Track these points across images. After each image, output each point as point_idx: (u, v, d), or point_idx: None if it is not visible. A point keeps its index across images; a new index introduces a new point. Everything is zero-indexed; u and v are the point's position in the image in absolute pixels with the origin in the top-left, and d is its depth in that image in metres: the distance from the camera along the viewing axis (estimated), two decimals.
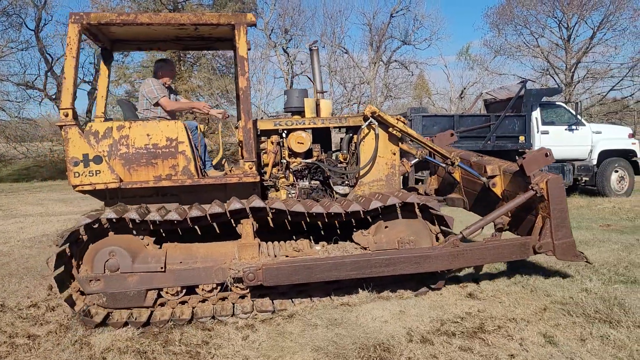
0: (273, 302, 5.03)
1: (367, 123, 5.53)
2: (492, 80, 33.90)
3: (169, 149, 4.95)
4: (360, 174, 5.60)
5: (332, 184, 5.67)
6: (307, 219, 5.01)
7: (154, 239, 4.93)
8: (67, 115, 4.79)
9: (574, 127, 12.73)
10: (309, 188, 5.75)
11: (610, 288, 5.12)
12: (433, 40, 50.74)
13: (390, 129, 5.61)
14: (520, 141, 12.10)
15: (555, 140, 12.38)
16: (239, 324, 4.67)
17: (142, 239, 4.88)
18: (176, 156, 4.96)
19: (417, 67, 35.22)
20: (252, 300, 5.03)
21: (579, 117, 12.94)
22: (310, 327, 4.50)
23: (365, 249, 5.16)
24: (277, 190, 5.68)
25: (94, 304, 4.77)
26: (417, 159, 6.08)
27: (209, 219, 4.82)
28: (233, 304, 5.02)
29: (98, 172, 4.80)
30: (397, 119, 5.62)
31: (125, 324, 4.72)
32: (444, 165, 6.17)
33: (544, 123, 12.59)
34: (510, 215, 5.45)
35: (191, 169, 4.99)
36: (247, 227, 4.97)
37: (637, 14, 29.14)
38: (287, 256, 5.04)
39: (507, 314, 4.62)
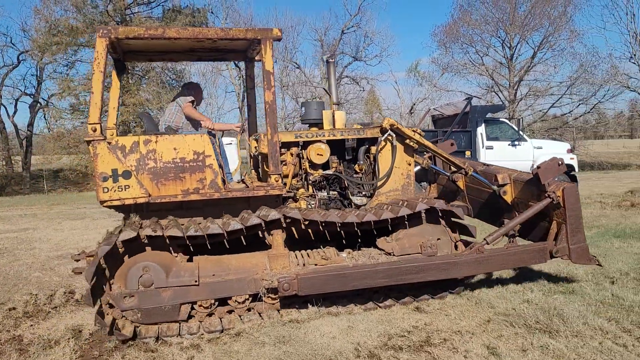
0: (221, 321, 4.93)
1: (385, 135, 5.69)
2: (440, 96, 34.91)
3: (196, 163, 4.97)
4: (379, 185, 5.75)
5: (350, 195, 5.78)
6: (339, 228, 5.08)
7: (183, 253, 4.88)
8: (95, 131, 4.74)
9: (516, 142, 13.22)
10: (327, 199, 5.85)
11: (550, 299, 5.28)
12: (383, 57, 51.76)
13: (407, 141, 5.80)
14: (466, 156, 12.43)
15: (499, 155, 12.80)
16: (184, 344, 4.55)
17: (174, 254, 4.81)
18: (203, 170, 4.98)
19: (368, 83, 35.89)
20: (200, 321, 4.91)
21: (521, 133, 13.45)
22: (257, 345, 4.43)
23: (389, 254, 5.25)
24: (296, 201, 5.70)
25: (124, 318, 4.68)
26: (418, 167, 6.28)
27: (245, 231, 4.84)
28: (179, 322, 4.86)
29: (127, 187, 4.76)
30: (413, 131, 5.80)
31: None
32: (448, 174, 6.43)
33: (489, 138, 13.01)
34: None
35: (218, 182, 5.02)
36: (277, 237, 5.02)
37: (573, 36, 30.78)
38: (315, 265, 5.09)
39: (452, 326, 4.69)
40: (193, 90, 6.19)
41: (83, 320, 5.25)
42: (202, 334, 4.75)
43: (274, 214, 4.86)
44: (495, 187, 6.00)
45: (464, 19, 32.15)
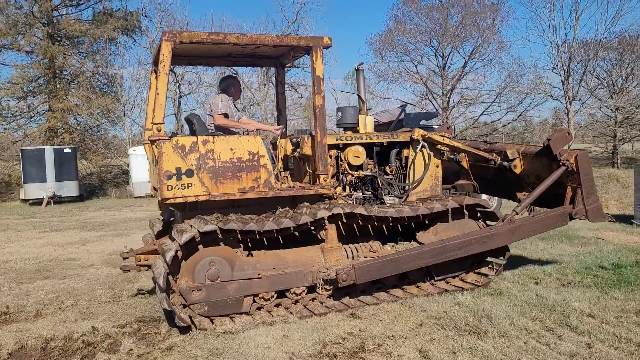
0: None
1: (420, 147, 6.21)
2: (377, 103, 35.49)
3: (252, 163, 5.32)
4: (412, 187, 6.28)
5: (383, 195, 6.20)
6: (391, 222, 5.57)
7: (242, 247, 5.18)
8: (159, 130, 5.03)
9: None
10: (362, 198, 6.23)
11: (479, 300, 5.45)
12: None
13: (438, 146, 6.36)
14: None
15: None
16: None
17: (234, 249, 5.12)
18: (258, 169, 5.33)
19: (307, 90, 35.95)
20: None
21: None
22: (189, 359, 4.30)
23: None
24: (333, 200, 5.96)
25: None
26: None
27: (310, 225, 5.23)
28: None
29: (190, 185, 5.05)
30: (442, 136, 6.35)
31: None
32: (452, 156, 6.89)
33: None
34: (531, 190, 6.14)
35: (272, 181, 5.40)
36: (331, 231, 5.39)
37: (501, 46, 32.23)
38: (365, 257, 5.50)
39: (386, 331, 4.73)
40: (228, 86, 6.28)
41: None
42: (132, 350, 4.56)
43: (338, 209, 5.24)
44: (505, 163, 6.44)
45: (398, 28, 32.94)
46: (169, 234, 5.57)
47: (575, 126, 33.61)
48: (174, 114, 31.93)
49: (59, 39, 27.05)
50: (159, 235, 6.43)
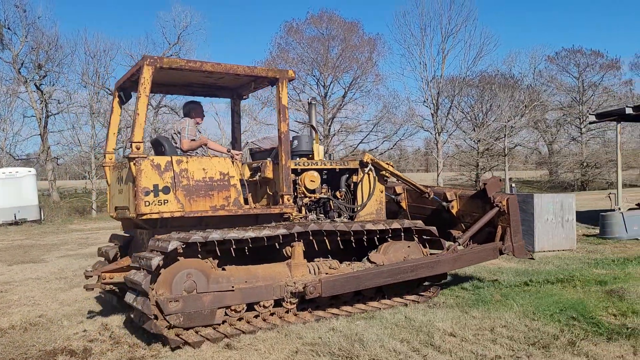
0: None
1: (367, 169, 6.77)
2: (260, 129, 35.68)
3: (223, 182, 5.68)
4: (359, 209, 6.82)
5: (335, 217, 6.69)
6: (352, 237, 6.07)
7: (217, 261, 5.40)
8: (139, 149, 5.28)
9: None
10: (317, 219, 6.61)
11: (353, 325, 5.61)
12: None
13: (382, 172, 6.93)
14: None
15: None
16: None
17: (208, 262, 5.33)
18: (229, 189, 5.70)
19: None
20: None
21: None
22: None
23: (380, 265, 6.18)
24: (289, 221, 6.30)
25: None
26: None
27: (276, 239, 5.60)
28: None
29: (166, 201, 5.33)
30: (387, 164, 6.99)
31: None
32: (392, 196, 7.82)
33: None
34: (464, 228, 7.12)
35: (240, 200, 5.78)
36: (298, 248, 5.79)
37: (378, 79, 34.25)
38: (326, 273, 5.93)
39: None
40: (190, 111, 6.54)
41: None
42: None
43: (313, 226, 5.73)
44: (444, 203, 7.32)
45: (282, 56, 33.72)
46: (132, 254, 5.60)
47: (443, 155, 36.33)
48: (39, 134, 29.57)
49: None
50: (115, 259, 6.35)
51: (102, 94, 32.15)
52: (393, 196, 7.59)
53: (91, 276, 5.94)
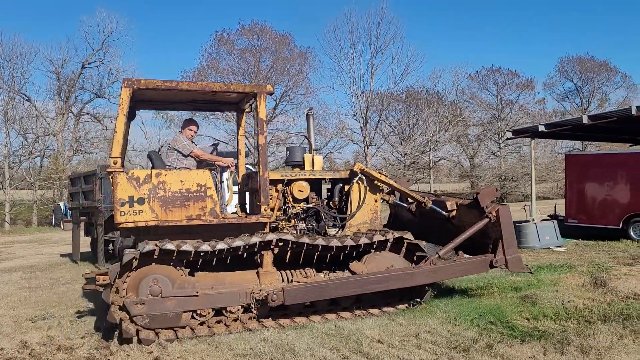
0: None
1: (357, 178, 6.85)
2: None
3: (199, 193, 5.96)
4: (350, 218, 6.89)
5: (326, 226, 6.80)
6: (328, 251, 6.17)
7: (188, 270, 5.76)
8: (116, 163, 5.73)
9: None
10: (306, 229, 6.80)
11: (284, 335, 5.68)
12: None
13: (375, 182, 6.99)
14: None
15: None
16: None
17: (179, 269, 5.68)
18: (205, 199, 5.97)
19: (112, 122, 33.94)
20: None
21: None
22: None
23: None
24: (279, 230, 6.50)
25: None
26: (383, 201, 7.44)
27: (244, 250, 5.81)
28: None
29: (141, 211, 5.69)
30: (380, 173, 7.05)
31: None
32: (406, 205, 7.71)
33: (235, 183, 13.53)
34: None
35: (217, 210, 6.03)
36: (267, 257, 5.99)
37: (309, 92, 34.61)
38: (298, 282, 6.05)
39: None
40: (184, 128, 6.96)
41: None
42: None
43: (270, 236, 5.89)
44: (445, 213, 7.07)
45: (212, 66, 33.35)
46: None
47: (372, 168, 37.08)
48: None
49: None
50: None
51: (19, 100, 30.46)
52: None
53: (89, 278, 6.06)
